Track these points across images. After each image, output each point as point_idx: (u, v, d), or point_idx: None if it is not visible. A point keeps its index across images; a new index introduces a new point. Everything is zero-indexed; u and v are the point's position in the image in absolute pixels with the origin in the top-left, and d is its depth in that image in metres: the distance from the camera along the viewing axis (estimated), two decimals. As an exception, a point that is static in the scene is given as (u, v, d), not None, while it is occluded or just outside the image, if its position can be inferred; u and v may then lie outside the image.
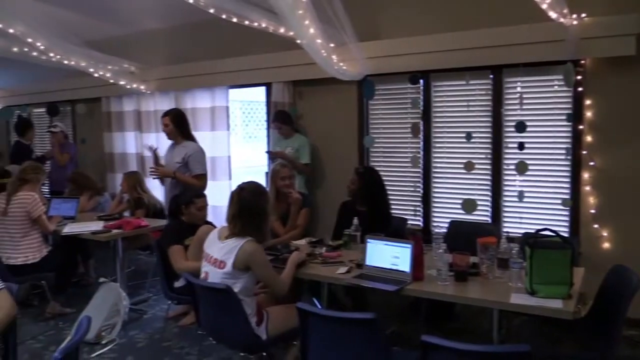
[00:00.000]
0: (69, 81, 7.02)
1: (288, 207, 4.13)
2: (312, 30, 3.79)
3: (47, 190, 6.57)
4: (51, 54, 5.36)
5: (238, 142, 12.25)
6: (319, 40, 3.97)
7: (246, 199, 2.85)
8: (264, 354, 3.02)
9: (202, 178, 4.60)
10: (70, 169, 6.27)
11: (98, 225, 4.61)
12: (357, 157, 5.06)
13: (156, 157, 4.78)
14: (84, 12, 5.57)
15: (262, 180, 5.24)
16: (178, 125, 4.62)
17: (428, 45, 4.42)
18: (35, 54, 5.46)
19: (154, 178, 4.82)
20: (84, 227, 4.61)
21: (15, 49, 5.53)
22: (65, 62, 5.52)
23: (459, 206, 4.41)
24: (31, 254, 4.32)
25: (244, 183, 2.98)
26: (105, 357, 3.78)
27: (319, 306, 3.43)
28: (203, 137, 5.86)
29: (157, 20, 6.12)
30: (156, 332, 4.21)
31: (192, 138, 4.76)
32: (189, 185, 4.49)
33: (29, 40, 4.98)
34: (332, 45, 4.33)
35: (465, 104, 4.49)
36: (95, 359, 3.76)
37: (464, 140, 4.41)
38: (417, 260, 2.87)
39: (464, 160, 4.41)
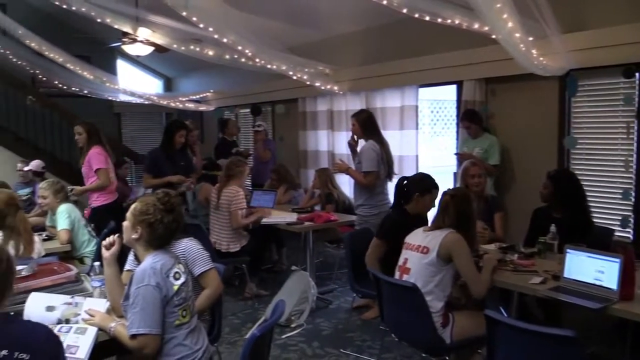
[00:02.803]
0: (270, 84, 7.69)
1: (478, 206, 3.95)
2: (510, 24, 3.58)
3: (249, 183, 7.26)
4: (257, 60, 5.89)
5: (426, 142, 12.15)
6: (517, 34, 3.73)
7: (460, 205, 2.95)
8: (447, 358, 2.96)
9: (369, 176, 4.48)
10: (271, 165, 6.83)
11: (292, 217, 4.95)
12: (555, 160, 4.66)
13: (354, 152, 4.88)
14: (286, 21, 6.05)
15: (450, 181, 5.16)
16: (362, 126, 4.67)
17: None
18: (243, 60, 6.08)
19: (334, 172, 5.05)
20: (280, 218, 4.99)
21: (227, 56, 6.23)
22: (269, 66, 6.02)
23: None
24: (232, 244, 4.81)
25: (452, 190, 3.12)
26: (294, 339, 4.05)
27: (506, 315, 3.24)
28: (391, 136, 5.93)
29: (350, 24, 6.36)
30: (340, 322, 4.38)
31: (375, 138, 4.71)
32: (357, 182, 4.60)
33: (239, 48, 5.54)
34: (531, 38, 4.04)
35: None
36: (285, 340, 4.04)
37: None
38: (626, 277, 2.54)
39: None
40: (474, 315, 2.83)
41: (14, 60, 7.92)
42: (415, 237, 3.01)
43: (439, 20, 4.30)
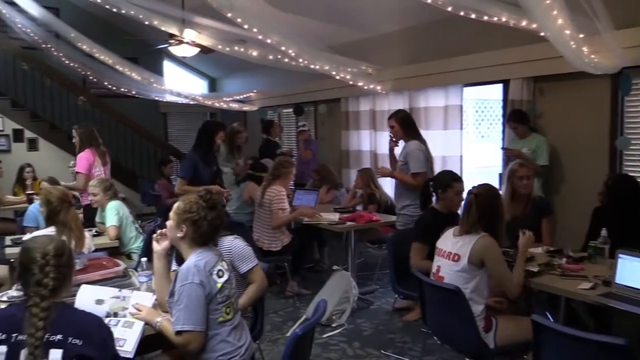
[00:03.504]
0: (313, 84, 7.71)
1: (524, 208, 3.86)
2: (560, 21, 3.48)
3: (291, 183, 7.30)
4: (300, 60, 5.92)
5: (470, 142, 11.91)
6: (567, 31, 3.62)
7: (483, 204, 2.85)
8: (490, 363, 2.90)
9: (419, 176, 4.42)
10: (313, 165, 6.86)
11: (334, 217, 4.95)
12: (607, 161, 4.49)
13: (392, 157, 4.83)
14: (328, 20, 6.05)
15: (495, 182, 5.04)
16: (403, 126, 4.59)
17: None
18: (286, 60, 6.12)
19: (378, 177, 4.98)
20: (322, 217, 5.00)
21: (270, 57, 6.29)
22: (311, 66, 6.04)
23: None
24: (274, 243, 4.84)
25: (477, 188, 2.98)
26: (334, 339, 4.05)
27: (552, 321, 3.15)
28: (435, 136, 5.85)
29: (393, 22, 6.32)
30: (381, 323, 4.36)
31: (417, 138, 4.65)
32: (406, 184, 4.48)
33: (283, 48, 5.59)
34: (582, 35, 3.90)
35: None
36: (326, 339, 4.05)
37: None
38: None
39: None
40: (519, 320, 2.76)
41: (67, 62, 8.25)
42: (446, 242, 2.95)
43: (485, 17, 4.21)
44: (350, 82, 6.49)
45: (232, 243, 2.77)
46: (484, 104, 13.09)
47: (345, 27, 6.40)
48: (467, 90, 5.88)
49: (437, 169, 5.84)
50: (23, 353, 1.65)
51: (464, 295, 2.66)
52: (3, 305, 2.39)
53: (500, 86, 5.48)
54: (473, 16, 4.22)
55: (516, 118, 4.84)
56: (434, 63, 5.83)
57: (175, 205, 2.34)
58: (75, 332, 1.71)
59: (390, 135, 4.71)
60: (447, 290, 2.72)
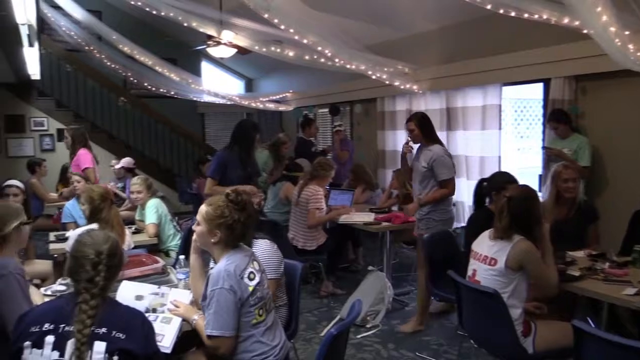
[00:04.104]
0: (349, 84, 7.70)
1: (569, 211, 3.74)
2: (604, 18, 3.37)
3: (327, 182, 7.32)
4: (336, 60, 5.92)
5: (509, 143, 11.69)
6: (612, 28, 3.50)
7: (515, 208, 2.77)
8: (529, 368, 2.83)
9: (449, 183, 4.16)
10: (349, 165, 6.85)
11: (370, 217, 4.94)
12: (652, 162, 4.34)
13: (404, 163, 4.64)
14: (365, 19, 6.04)
15: (534, 183, 4.93)
16: (423, 129, 4.30)
17: None
18: (322, 60, 6.13)
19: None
20: (357, 217, 4.99)
21: (306, 57, 6.31)
22: (348, 66, 6.03)
23: None
24: (309, 242, 4.86)
25: (511, 190, 2.94)
26: (369, 340, 4.04)
27: (594, 326, 3.06)
28: (473, 136, 5.77)
29: (430, 21, 6.25)
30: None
31: (437, 141, 4.38)
32: (437, 196, 4.14)
33: (319, 48, 5.60)
34: (627, 32, 3.78)
35: None
36: (360, 340, 4.03)
37: None
38: None
39: None
40: (560, 325, 2.70)
41: (108, 64, 8.49)
42: (482, 246, 2.89)
43: (526, 15, 4.12)
44: (387, 82, 6.45)
45: (260, 248, 2.76)
46: (523, 103, 12.83)
47: (381, 26, 6.36)
48: (506, 90, 5.76)
49: (475, 170, 5.79)
50: (69, 344, 1.70)
51: (501, 299, 2.61)
52: (47, 299, 2.46)
53: (540, 85, 5.35)
54: (513, 14, 4.14)
55: (557, 118, 4.71)
56: (472, 62, 5.74)
57: (204, 211, 2.28)
58: (119, 327, 1.77)
59: (408, 140, 4.44)
60: (484, 293, 2.67)
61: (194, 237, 2.42)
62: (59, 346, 1.71)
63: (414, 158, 4.43)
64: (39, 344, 1.71)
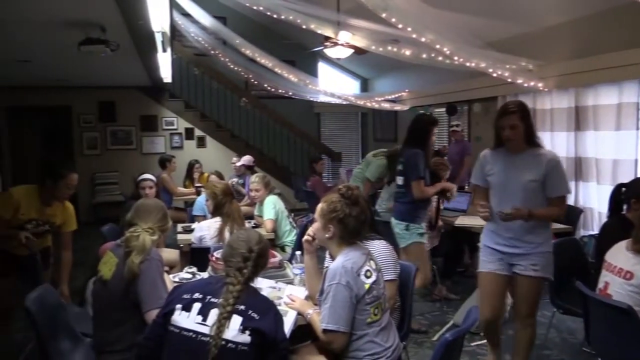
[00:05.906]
0: (467, 82, 7.44)
1: None
2: None
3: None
4: (455, 58, 5.74)
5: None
6: None
7: None
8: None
9: (565, 202, 3.21)
10: (467, 170, 6.61)
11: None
12: None
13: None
14: (485, 15, 5.78)
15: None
16: (528, 124, 3.22)
17: None
18: (440, 58, 5.98)
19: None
20: (475, 220, 4.80)
21: (424, 56, 6.20)
22: (467, 64, 5.83)
23: None
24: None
25: None
26: (483, 348, 3.87)
27: None
28: (605, 137, 5.32)
29: (557, 14, 5.85)
30: (537, 338, 4.06)
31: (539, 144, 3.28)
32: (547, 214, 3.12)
33: (437, 46, 5.47)
34: None
35: None
36: (474, 348, 3.89)
37: None
38: None
39: None
40: None
41: (232, 66, 8.97)
42: (618, 257, 2.65)
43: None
44: (509, 80, 6.15)
45: (377, 249, 2.76)
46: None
47: (504, 21, 6.05)
48: (647, 86, 5.24)
49: (606, 174, 5.34)
50: (212, 312, 1.94)
51: (636, 315, 2.38)
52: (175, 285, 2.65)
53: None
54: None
55: None
56: (606, 56, 5.28)
57: (319, 208, 2.37)
58: (256, 308, 1.97)
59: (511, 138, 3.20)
60: (616, 309, 2.45)
61: (305, 237, 2.51)
62: (203, 312, 1.95)
63: (498, 170, 3.26)
64: (187, 308, 1.97)
